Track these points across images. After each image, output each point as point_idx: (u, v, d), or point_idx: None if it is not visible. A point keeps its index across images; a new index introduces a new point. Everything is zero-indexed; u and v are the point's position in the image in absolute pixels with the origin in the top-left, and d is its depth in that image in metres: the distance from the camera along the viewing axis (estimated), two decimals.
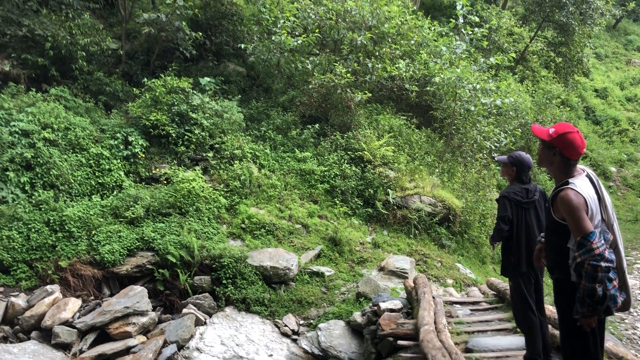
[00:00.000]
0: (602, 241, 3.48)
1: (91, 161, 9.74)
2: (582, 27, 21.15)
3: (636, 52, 35.52)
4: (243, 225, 9.65)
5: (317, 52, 13.73)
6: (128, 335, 7.48)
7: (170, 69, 11.91)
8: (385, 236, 10.66)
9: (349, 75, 12.08)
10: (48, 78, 11.52)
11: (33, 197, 8.83)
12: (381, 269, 9.22)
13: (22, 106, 9.92)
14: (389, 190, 11.15)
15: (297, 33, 12.95)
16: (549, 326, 5.32)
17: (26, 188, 8.93)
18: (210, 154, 10.68)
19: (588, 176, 3.73)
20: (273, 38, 12.26)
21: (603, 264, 3.40)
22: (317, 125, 12.12)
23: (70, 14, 12.10)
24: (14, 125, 9.37)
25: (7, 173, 8.80)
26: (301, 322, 8.13)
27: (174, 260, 8.51)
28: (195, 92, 11.17)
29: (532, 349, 4.90)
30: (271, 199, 10.48)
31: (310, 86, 12.44)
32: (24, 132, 9.40)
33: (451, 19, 14.44)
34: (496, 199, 5.47)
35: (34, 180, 9.03)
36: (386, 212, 10.96)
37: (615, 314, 4.11)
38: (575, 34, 21.11)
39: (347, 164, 11.44)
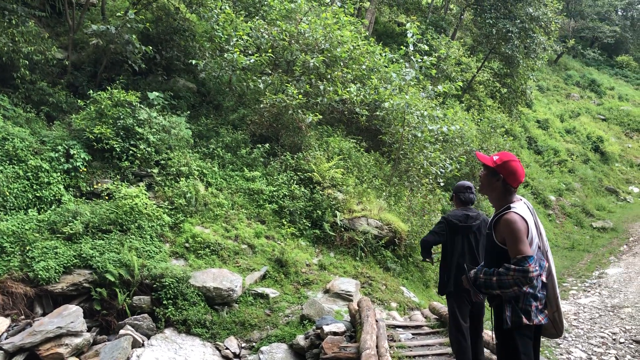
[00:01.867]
0: (538, 267, 3.59)
1: (29, 173, 9.32)
2: (526, 60, 22.10)
3: (575, 86, 37.44)
4: (187, 245, 9.44)
5: (270, 72, 13.76)
6: (60, 357, 7.13)
7: (117, 81, 11.63)
8: (332, 258, 10.66)
9: (300, 96, 12.13)
10: None
11: None
12: (326, 291, 9.19)
13: None
14: (336, 212, 11.19)
15: (250, 52, 12.94)
16: (487, 351, 5.41)
17: None
18: (156, 170, 10.43)
19: (525, 204, 3.85)
20: (225, 55, 12.20)
21: (527, 289, 3.56)
22: (267, 145, 12.07)
23: (14, 20, 11.65)
24: None
25: None
26: (243, 344, 7.96)
27: (113, 279, 8.20)
28: (142, 106, 10.93)
29: None
30: (217, 218, 10.31)
31: (261, 105, 12.42)
32: None
33: (402, 47, 14.78)
34: None
35: None
36: (333, 234, 10.98)
37: (547, 338, 4.21)
38: (519, 66, 22.03)
39: (296, 184, 11.42)
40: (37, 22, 12.67)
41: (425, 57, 14.15)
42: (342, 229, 11.07)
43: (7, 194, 8.91)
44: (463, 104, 21.62)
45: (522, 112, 26.28)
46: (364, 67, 14.16)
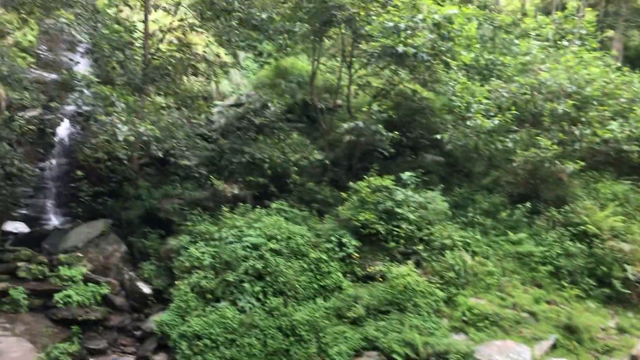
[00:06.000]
0: None
1: (312, 266, 10.40)
2: None
3: None
4: (464, 318, 9.27)
5: (516, 128, 13.29)
6: None
7: (371, 169, 12.50)
8: (632, 319, 9.33)
9: (555, 146, 11.41)
10: (268, 194, 12.90)
11: (266, 304, 9.66)
12: (634, 358, 7.98)
13: (250, 222, 11.18)
14: (626, 265, 9.89)
15: (492, 114, 12.76)
16: None
17: (259, 296, 9.82)
18: (421, 247, 10.69)
19: None
20: (468, 123, 12.26)
21: None
22: (528, 204, 11.47)
23: (281, 135, 13.68)
24: (246, 240, 10.56)
25: (243, 284, 9.83)
26: None
27: (400, 359, 8.42)
28: (398, 187, 11.49)
29: None
30: (490, 288, 9.99)
31: (514, 164, 12.01)
32: (254, 245, 10.50)
33: None
34: None
35: (265, 289, 9.91)
36: (627, 291, 9.67)
37: None
38: None
39: (569, 241, 10.54)
40: (298, 133, 14.59)
41: None
42: (637, 284, 9.68)
43: (297, 286, 10.04)
44: None
45: None
46: (622, 100, 12.75)
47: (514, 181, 12.22)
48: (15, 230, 12.61)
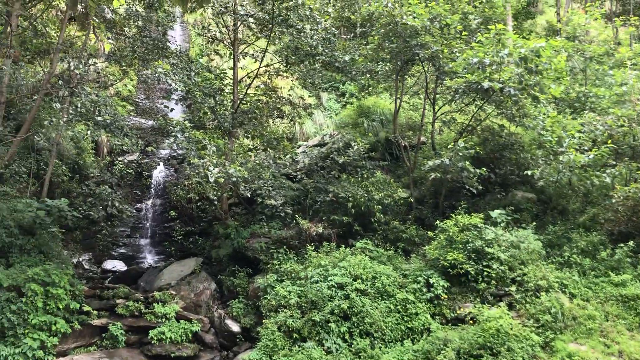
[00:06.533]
0: None
1: (398, 306, 10.20)
2: None
3: None
4: None
5: (614, 162, 12.56)
6: None
7: (459, 207, 12.21)
8: None
9: None
10: (352, 233, 12.88)
11: (352, 345, 9.53)
12: None
13: (335, 262, 11.19)
14: None
15: (585, 148, 12.16)
16: None
17: (345, 337, 9.73)
18: (513, 288, 10.20)
19: None
20: (560, 158, 11.73)
21: None
22: (630, 243, 10.69)
23: (365, 174, 13.71)
24: (331, 280, 10.56)
25: (329, 324, 9.79)
26: None
27: None
28: (487, 226, 11.12)
29: None
30: (592, 333, 9.29)
31: (613, 200, 11.30)
32: (339, 285, 10.48)
33: None
34: None
35: (351, 329, 9.81)
36: None
37: None
38: None
39: None
40: (382, 171, 14.60)
41: None
42: None
43: (384, 327, 9.85)
44: None
45: None
46: None
47: (613, 219, 11.47)
48: (114, 269, 13.40)
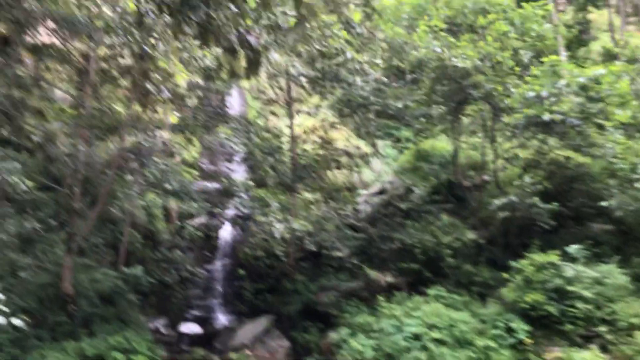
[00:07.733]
0: None
1: (480, 354, 9.75)
2: None
3: None
4: None
5: None
6: None
7: (531, 245, 11.73)
8: None
9: None
10: (423, 280, 12.57)
11: None
12: None
13: (408, 311, 10.91)
14: None
15: None
16: None
17: None
18: (604, 328, 9.57)
19: None
20: (637, 185, 11.14)
21: None
22: None
23: (430, 218, 13.49)
24: (406, 331, 10.28)
25: None
26: None
27: None
28: (565, 263, 10.61)
29: None
30: None
31: None
32: (415, 335, 10.17)
33: None
34: None
35: None
36: None
37: None
38: None
39: None
40: (447, 214, 14.30)
41: None
42: None
43: None
44: None
45: None
46: None
47: None
48: (189, 332, 13.57)
